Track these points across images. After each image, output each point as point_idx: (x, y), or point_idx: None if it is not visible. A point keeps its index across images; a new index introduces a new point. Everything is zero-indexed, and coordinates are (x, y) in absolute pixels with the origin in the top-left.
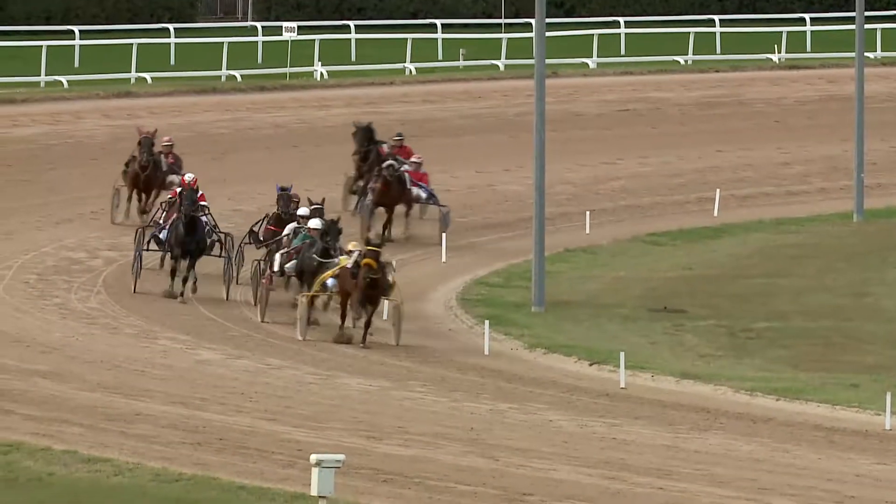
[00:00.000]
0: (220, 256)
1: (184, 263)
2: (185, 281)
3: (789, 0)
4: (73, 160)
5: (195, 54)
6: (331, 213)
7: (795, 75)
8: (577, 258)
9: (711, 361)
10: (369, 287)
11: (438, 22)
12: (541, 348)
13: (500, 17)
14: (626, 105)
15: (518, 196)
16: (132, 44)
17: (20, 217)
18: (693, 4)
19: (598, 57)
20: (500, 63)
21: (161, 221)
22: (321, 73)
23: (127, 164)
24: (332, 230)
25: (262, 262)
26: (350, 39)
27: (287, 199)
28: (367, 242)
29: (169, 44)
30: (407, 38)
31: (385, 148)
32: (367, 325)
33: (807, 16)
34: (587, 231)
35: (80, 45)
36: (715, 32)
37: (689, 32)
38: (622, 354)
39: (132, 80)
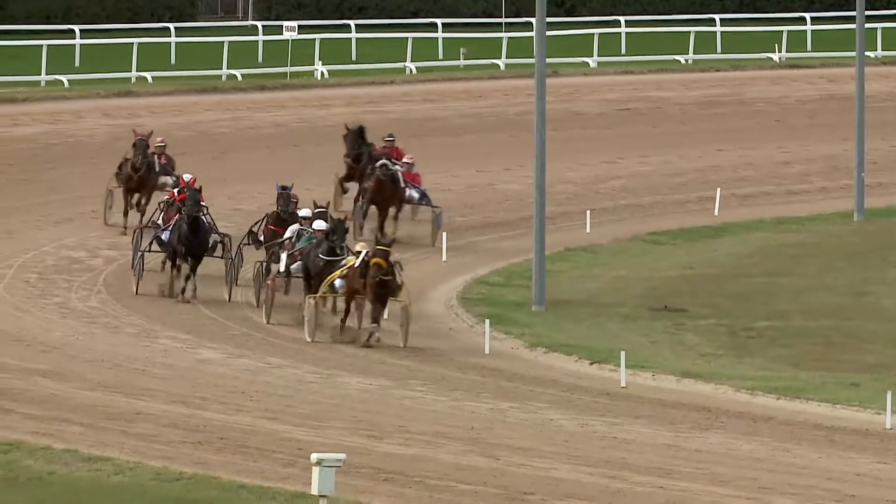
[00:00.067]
0: (221, 257)
1: (186, 264)
2: (186, 279)
3: None
4: (73, 159)
5: (196, 53)
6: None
7: (796, 74)
8: (578, 257)
9: (712, 360)
10: (378, 287)
11: (439, 21)
12: (541, 347)
13: (501, 17)
14: (627, 104)
15: (519, 195)
16: (133, 43)
17: (21, 216)
18: (694, 3)
19: (598, 56)
20: (501, 62)
21: (159, 222)
22: (322, 73)
23: (120, 166)
24: (338, 229)
25: (264, 264)
26: (350, 39)
27: (287, 198)
28: (377, 242)
29: (169, 43)
30: (407, 38)
31: (377, 148)
32: (376, 323)
33: (807, 15)
34: (588, 230)
35: (81, 45)
36: (715, 31)
37: (690, 32)
38: (623, 353)
39: (133, 80)
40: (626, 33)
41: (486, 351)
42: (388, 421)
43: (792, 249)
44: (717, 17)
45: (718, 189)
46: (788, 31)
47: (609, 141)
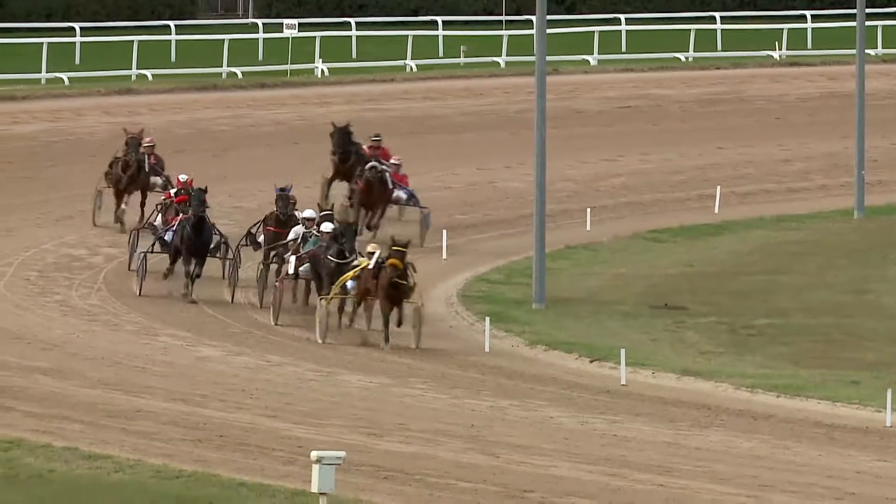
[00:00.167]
0: (224, 258)
1: (190, 265)
2: (192, 279)
3: None
4: (73, 157)
5: (196, 51)
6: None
7: (796, 72)
8: (578, 255)
9: (712, 358)
10: (392, 288)
11: (439, 19)
12: (541, 345)
13: (501, 14)
14: (627, 102)
15: (519, 193)
16: (133, 41)
17: (21, 214)
18: (694, 1)
19: (598, 54)
20: (501, 60)
21: (156, 224)
22: (322, 70)
23: (111, 166)
24: (347, 232)
25: (267, 265)
26: (351, 36)
27: (286, 200)
28: (393, 243)
29: (170, 41)
30: (408, 35)
31: (365, 148)
32: (391, 324)
33: (808, 13)
34: (588, 228)
35: (81, 42)
36: (716, 29)
37: (690, 29)
38: (623, 351)
39: (133, 77)
40: (627, 31)
41: (487, 349)
42: (388, 419)
43: (792, 247)
44: (717, 14)
45: (719, 187)
46: (789, 29)
47: (609, 139)
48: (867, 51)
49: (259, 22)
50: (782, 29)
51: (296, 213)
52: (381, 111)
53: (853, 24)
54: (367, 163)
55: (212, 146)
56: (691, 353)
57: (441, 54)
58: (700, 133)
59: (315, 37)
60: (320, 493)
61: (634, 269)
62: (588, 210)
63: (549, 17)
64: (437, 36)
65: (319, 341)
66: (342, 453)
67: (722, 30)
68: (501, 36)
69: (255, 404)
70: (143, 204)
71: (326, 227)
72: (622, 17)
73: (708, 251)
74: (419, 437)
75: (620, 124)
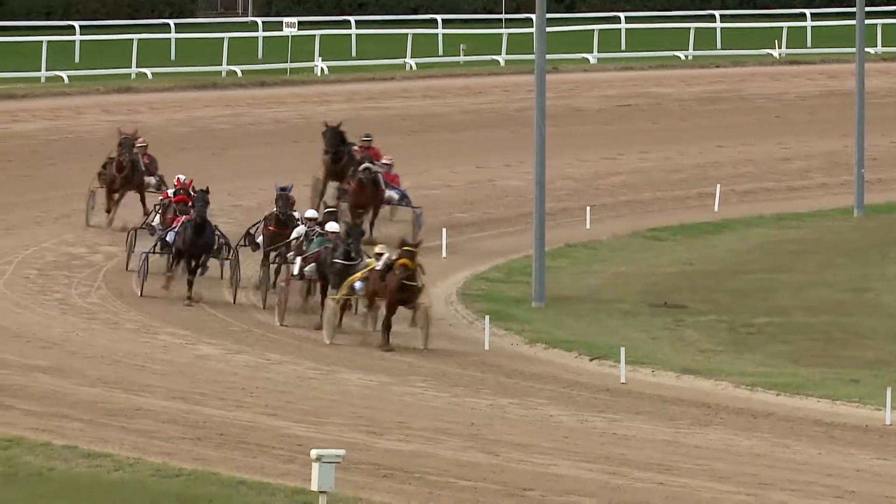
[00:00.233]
0: (227, 259)
1: (189, 266)
2: (193, 278)
3: None
4: (73, 156)
5: (196, 50)
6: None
7: (796, 70)
8: (578, 253)
9: (712, 356)
10: (400, 289)
11: (439, 17)
12: (541, 343)
13: (501, 13)
14: (627, 100)
15: (518, 191)
16: (132, 39)
17: (20, 212)
18: (693, 0)
19: (598, 52)
20: (501, 58)
21: (153, 224)
22: (322, 69)
23: (104, 166)
24: (353, 232)
25: (271, 266)
26: (350, 35)
27: (286, 200)
28: (403, 243)
29: (169, 39)
30: (407, 34)
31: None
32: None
33: (807, 11)
34: (588, 226)
35: (81, 41)
36: (715, 28)
37: (690, 28)
38: (623, 349)
39: (132, 76)
40: (626, 29)
41: (486, 347)
42: (387, 417)
43: (792, 246)
44: (717, 13)
45: (718, 185)
46: (788, 28)
47: (609, 137)
48: (867, 49)
49: (259, 20)
50: (782, 27)
51: (294, 213)
52: (380, 109)
53: (853, 22)
54: (359, 163)
55: (211, 144)
56: (691, 352)
57: (441, 53)
58: (700, 131)
59: (315, 35)
60: (320, 492)
61: (634, 267)
62: (588, 208)
63: (548, 16)
64: (437, 34)
65: (327, 342)
66: (342, 451)
67: (721, 28)
68: (501, 34)
69: (254, 402)
70: (143, 200)
71: (332, 226)
72: (622, 15)
73: (708, 249)
74: (419, 435)
75: (620, 123)
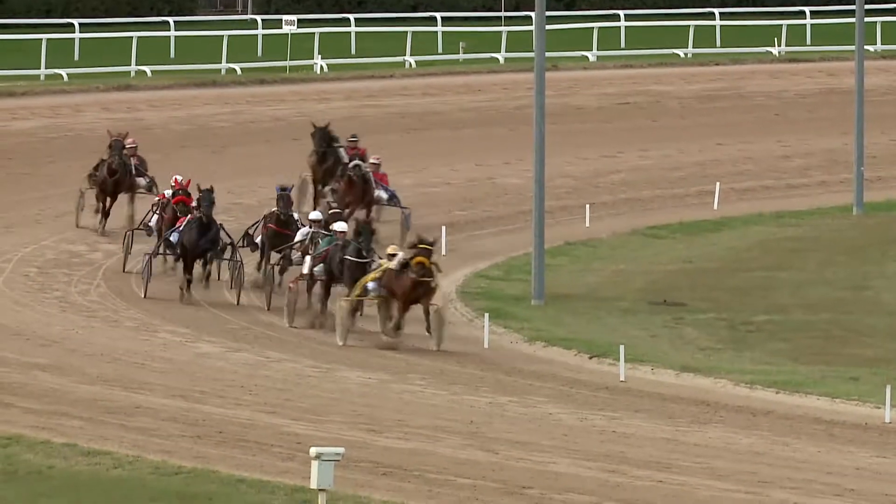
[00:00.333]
0: (230, 260)
1: (196, 267)
2: (205, 268)
3: None
4: (72, 153)
5: (195, 47)
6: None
7: (795, 68)
8: (577, 251)
9: (711, 354)
10: (414, 287)
11: (438, 15)
12: (540, 341)
13: (500, 11)
14: (626, 98)
15: (518, 189)
16: (132, 37)
17: (20, 210)
18: None
19: (598, 50)
20: (500, 56)
21: (151, 225)
22: (321, 67)
23: (96, 168)
24: (364, 231)
25: (275, 267)
26: (350, 32)
27: (287, 200)
28: (419, 241)
29: (169, 37)
30: (407, 32)
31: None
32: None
33: (807, 9)
34: (587, 224)
35: (80, 39)
36: (715, 25)
37: (689, 25)
38: (622, 347)
39: (132, 74)
40: (626, 27)
41: (486, 345)
42: (387, 415)
43: (791, 243)
44: (716, 10)
45: (718, 183)
46: (788, 25)
47: (608, 135)
48: (866, 47)
49: (258, 18)
50: (781, 25)
51: (293, 213)
52: (380, 107)
53: (852, 20)
54: (347, 163)
55: (211, 142)
56: (690, 350)
57: (440, 50)
58: (699, 129)
59: (314, 33)
60: (319, 490)
61: (633, 265)
62: (587, 206)
63: (548, 14)
64: (436, 32)
65: (340, 343)
66: (341, 449)
67: (721, 26)
68: (500, 32)
69: (254, 400)
70: (132, 201)
71: (339, 226)
72: (621, 13)
73: (707, 247)
74: (418, 433)
75: (619, 120)
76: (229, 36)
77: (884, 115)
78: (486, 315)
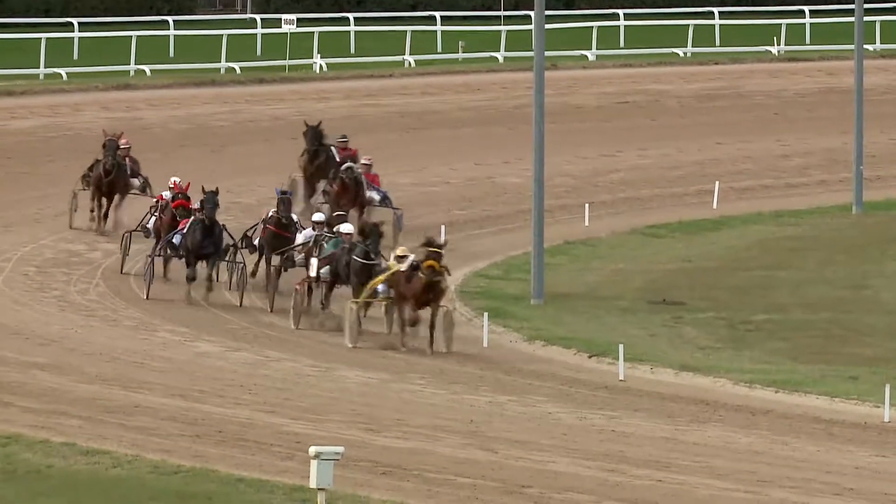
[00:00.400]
0: (233, 262)
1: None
2: (209, 278)
3: None
4: (71, 152)
5: (194, 46)
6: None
7: (795, 67)
8: (577, 250)
9: (710, 353)
10: (426, 290)
11: (437, 14)
12: (540, 340)
13: (500, 10)
14: (626, 97)
15: (517, 188)
16: (131, 36)
17: (19, 209)
18: None
19: (597, 49)
20: (500, 55)
21: (149, 226)
22: (320, 66)
23: (90, 168)
24: (373, 233)
25: (279, 269)
26: (349, 32)
27: (288, 203)
28: (429, 244)
29: (168, 36)
30: (406, 31)
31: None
32: (431, 327)
33: (806, 8)
34: (586, 223)
35: (79, 38)
36: (714, 25)
37: (689, 25)
38: (621, 347)
39: (131, 73)
40: (625, 26)
41: (485, 344)
42: (386, 414)
43: (790, 242)
44: (715, 10)
45: (717, 182)
46: (787, 24)
47: (608, 134)
48: (865, 46)
49: (257, 17)
50: (781, 24)
51: (294, 216)
52: (379, 106)
53: (851, 19)
54: (340, 163)
55: (210, 141)
56: (690, 349)
57: (439, 49)
58: (698, 128)
59: (313, 32)
60: (318, 489)
61: (633, 264)
62: (586, 205)
63: (547, 13)
64: (436, 31)
65: (349, 345)
66: (340, 449)
67: (720, 25)
68: (500, 31)
69: (253, 400)
70: (119, 203)
71: (347, 228)
72: (620, 12)
73: (706, 246)
74: (418, 432)
75: (619, 120)
76: (228, 35)
77: (883, 114)
78: (486, 314)
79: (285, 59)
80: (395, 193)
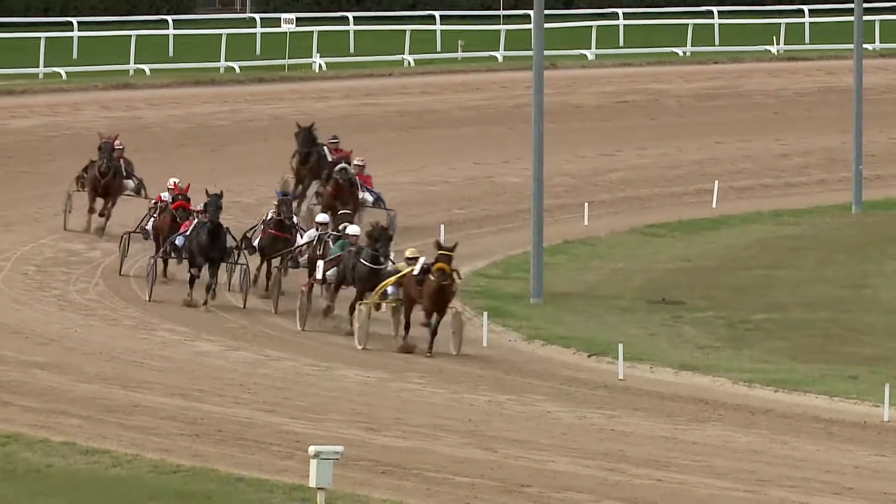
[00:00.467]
0: (237, 263)
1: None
2: (208, 288)
3: None
4: (71, 152)
5: (194, 46)
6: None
7: (794, 67)
8: (576, 250)
9: (710, 353)
10: (437, 292)
11: (437, 13)
12: (539, 340)
13: (499, 9)
14: (625, 97)
15: (517, 188)
16: (131, 35)
17: (19, 208)
18: None
19: (596, 48)
20: (499, 55)
21: (147, 228)
22: (320, 65)
23: (85, 170)
24: (382, 236)
25: (282, 270)
26: (348, 31)
27: (289, 205)
28: (439, 246)
29: (167, 35)
30: (405, 30)
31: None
32: (434, 333)
33: (805, 7)
34: (586, 223)
35: (79, 37)
36: (714, 24)
37: (688, 24)
38: (621, 346)
39: (131, 72)
40: (624, 26)
41: (484, 343)
42: (385, 413)
43: (790, 242)
44: (715, 9)
45: (716, 181)
46: (786, 24)
47: (607, 133)
48: (865, 45)
49: (257, 16)
50: (780, 23)
51: (294, 218)
52: (378, 106)
53: (851, 18)
54: (333, 164)
55: (209, 141)
56: (689, 348)
57: (439, 49)
58: (698, 128)
59: (313, 31)
60: (318, 488)
61: (632, 263)
62: (586, 205)
63: (546, 12)
64: (435, 30)
65: (359, 347)
66: (340, 448)
67: (720, 24)
68: (499, 30)
69: (253, 399)
70: (111, 206)
71: (353, 229)
72: (620, 11)
73: (706, 246)
74: (417, 431)
75: (618, 119)
76: (228, 34)
77: (882, 113)
78: (485, 314)
79: (285, 59)
80: (394, 193)
